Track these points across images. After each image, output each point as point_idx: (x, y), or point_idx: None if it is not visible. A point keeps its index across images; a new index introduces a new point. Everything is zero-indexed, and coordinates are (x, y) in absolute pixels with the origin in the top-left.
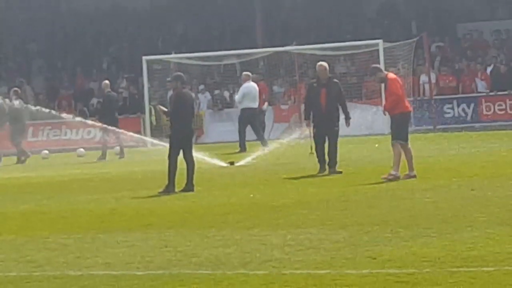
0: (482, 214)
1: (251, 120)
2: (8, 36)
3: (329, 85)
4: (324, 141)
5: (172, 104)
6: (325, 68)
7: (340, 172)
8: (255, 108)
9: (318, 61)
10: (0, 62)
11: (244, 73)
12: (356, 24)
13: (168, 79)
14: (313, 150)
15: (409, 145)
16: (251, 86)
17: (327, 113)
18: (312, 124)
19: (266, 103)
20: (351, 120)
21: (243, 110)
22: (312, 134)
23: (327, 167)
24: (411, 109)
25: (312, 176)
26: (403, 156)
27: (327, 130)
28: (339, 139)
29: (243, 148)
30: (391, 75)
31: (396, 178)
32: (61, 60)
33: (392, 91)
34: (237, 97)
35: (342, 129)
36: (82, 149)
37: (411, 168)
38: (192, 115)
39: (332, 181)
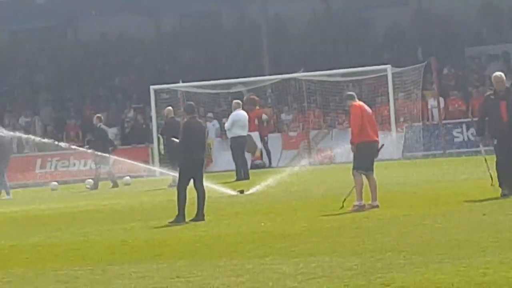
0: (494, 239)
1: (242, 148)
2: (14, 67)
3: (508, 96)
4: (508, 158)
5: (181, 133)
6: (503, 79)
7: None
8: (245, 136)
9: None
10: (6, 94)
11: (235, 101)
12: (363, 49)
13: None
14: (494, 182)
15: (374, 175)
16: (241, 114)
17: (509, 127)
18: (492, 140)
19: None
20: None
21: (232, 138)
22: (486, 158)
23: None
24: (376, 138)
25: (323, 203)
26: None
27: (510, 146)
28: None
29: (240, 177)
30: (355, 103)
31: (360, 208)
32: (68, 91)
33: (352, 120)
34: (226, 124)
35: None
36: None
37: (374, 198)
38: (203, 144)
39: (343, 208)
